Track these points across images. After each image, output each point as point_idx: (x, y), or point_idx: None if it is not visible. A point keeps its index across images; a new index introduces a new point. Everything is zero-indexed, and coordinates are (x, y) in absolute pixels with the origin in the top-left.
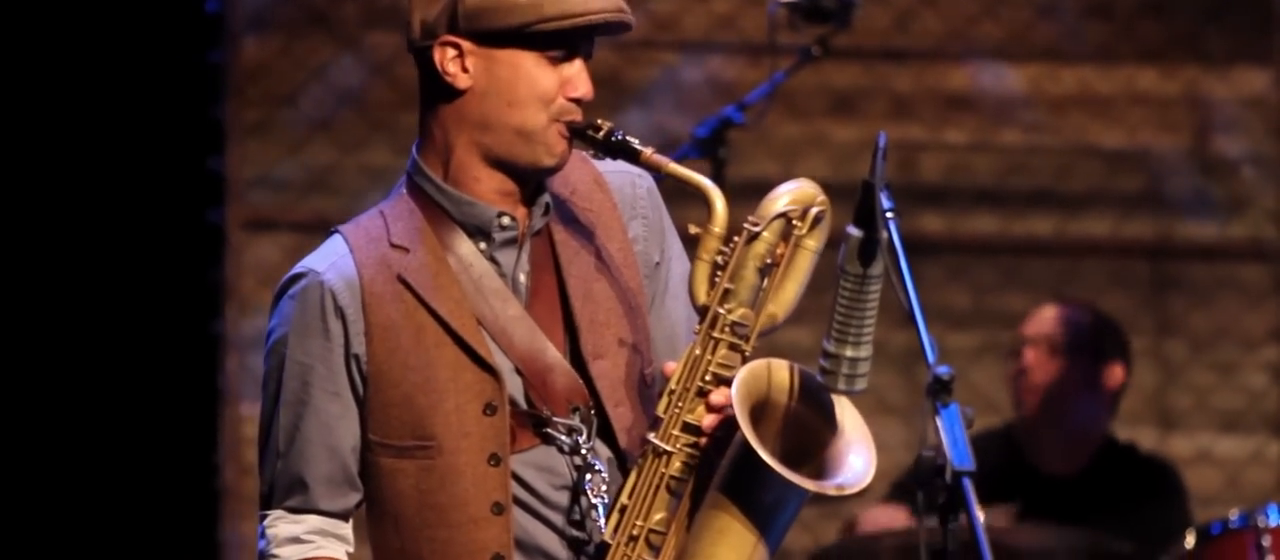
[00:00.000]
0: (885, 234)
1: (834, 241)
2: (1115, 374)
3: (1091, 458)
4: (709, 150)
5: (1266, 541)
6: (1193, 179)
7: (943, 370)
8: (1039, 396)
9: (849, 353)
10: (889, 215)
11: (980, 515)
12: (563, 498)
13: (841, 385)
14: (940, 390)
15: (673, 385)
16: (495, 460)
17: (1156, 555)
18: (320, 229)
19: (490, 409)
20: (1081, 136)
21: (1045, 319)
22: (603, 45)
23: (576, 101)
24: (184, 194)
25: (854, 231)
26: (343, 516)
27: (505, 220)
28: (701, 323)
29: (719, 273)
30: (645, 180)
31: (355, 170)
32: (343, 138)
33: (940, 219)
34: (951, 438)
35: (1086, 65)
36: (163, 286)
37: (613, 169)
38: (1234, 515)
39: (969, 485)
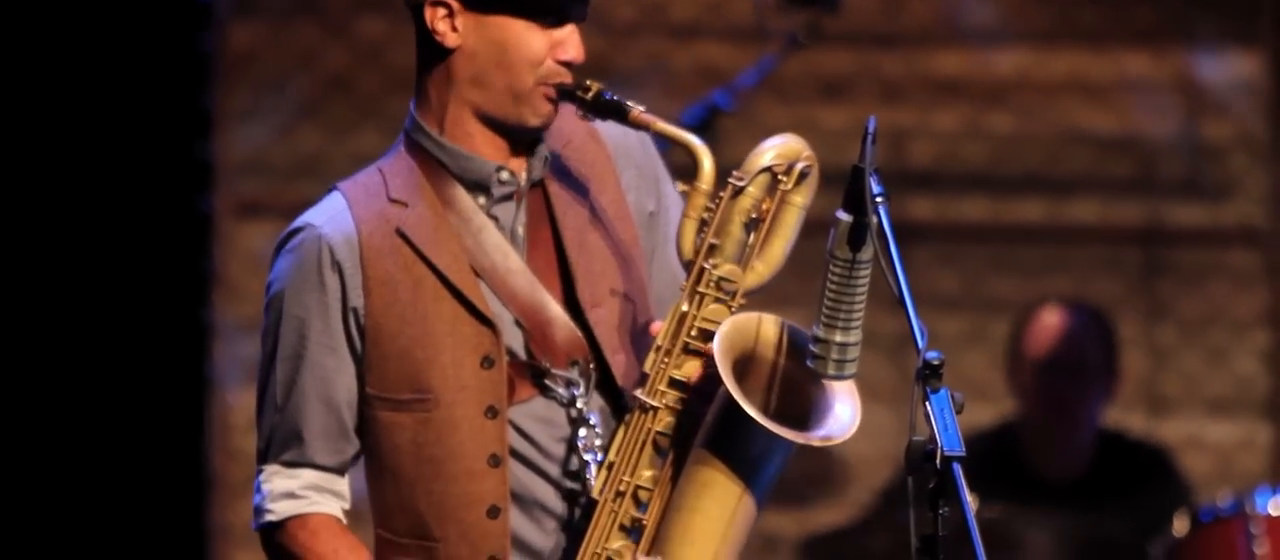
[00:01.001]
0: (875, 219)
1: (823, 226)
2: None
3: (1093, 455)
4: (698, 135)
5: (1257, 527)
6: (1183, 163)
7: (932, 355)
8: (1078, 417)
9: (838, 338)
10: (879, 200)
11: (971, 501)
12: (560, 450)
13: (831, 370)
14: (930, 375)
15: (660, 341)
16: (492, 413)
17: (1149, 541)
18: None
19: (488, 362)
20: (1071, 121)
21: (1074, 342)
22: (591, 31)
23: (567, 64)
24: (172, 180)
25: (843, 216)
26: (338, 471)
27: (504, 175)
28: (687, 279)
29: (705, 228)
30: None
31: (344, 156)
32: (331, 123)
33: (930, 204)
34: (942, 423)
35: (1076, 49)
36: (151, 273)
37: (608, 122)
38: (1225, 500)
39: (959, 470)
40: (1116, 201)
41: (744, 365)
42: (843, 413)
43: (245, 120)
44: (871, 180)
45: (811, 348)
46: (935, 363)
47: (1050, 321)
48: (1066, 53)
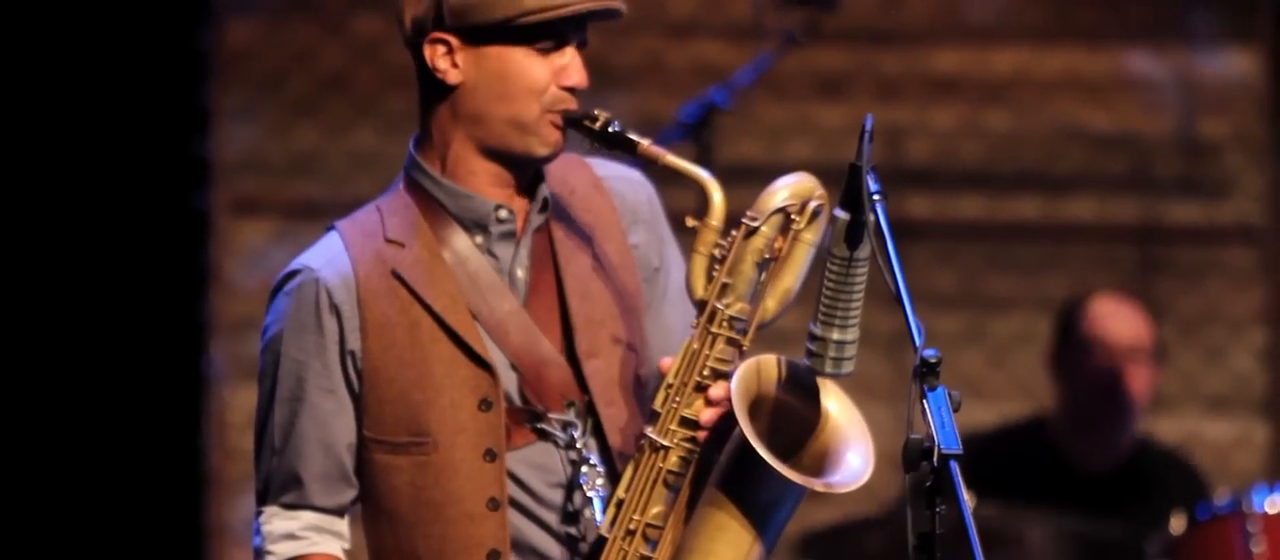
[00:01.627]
0: (872, 217)
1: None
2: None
3: (1129, 455)
4: (695, 134)
5: (1254, 525)
6: (1180, 162)
7: (930, 353)
8: (1135, 404)
9: (836, 335)
10: (876, 198)
11: (968, 499)
12: (558, 496)
13: (828, 368)
14: (927, 373)
15: (670, 379)
16: (491, 456)
17: (1145, 540)
18: (305, 212)
19: (486, 404)
20: (1069, 119)
21: (1140, 328)
22: (588, 29)
23: (570, 90)
24: (169, 177)
25: (841, 214)
26: (338, 513)
27: (503, 214)
28: (699, 317)
29: (717, 267)
30: (646, 188)
31: (340, 154)
32: (328, 121)
33: (927, 202)
34: (939, 421)
35: (1074, 47)
36: (147, 270)
37: (613, 174)
38: (1222, 499)
39: (956, 468)
40: (1114, 199)
41: (757, 408)
42: (854, 459)
43: (242, 117)
44: (869, 178)
45: (809, 345)
46: (933, 361)
47: (1117, 307)
48: (1064, 50)
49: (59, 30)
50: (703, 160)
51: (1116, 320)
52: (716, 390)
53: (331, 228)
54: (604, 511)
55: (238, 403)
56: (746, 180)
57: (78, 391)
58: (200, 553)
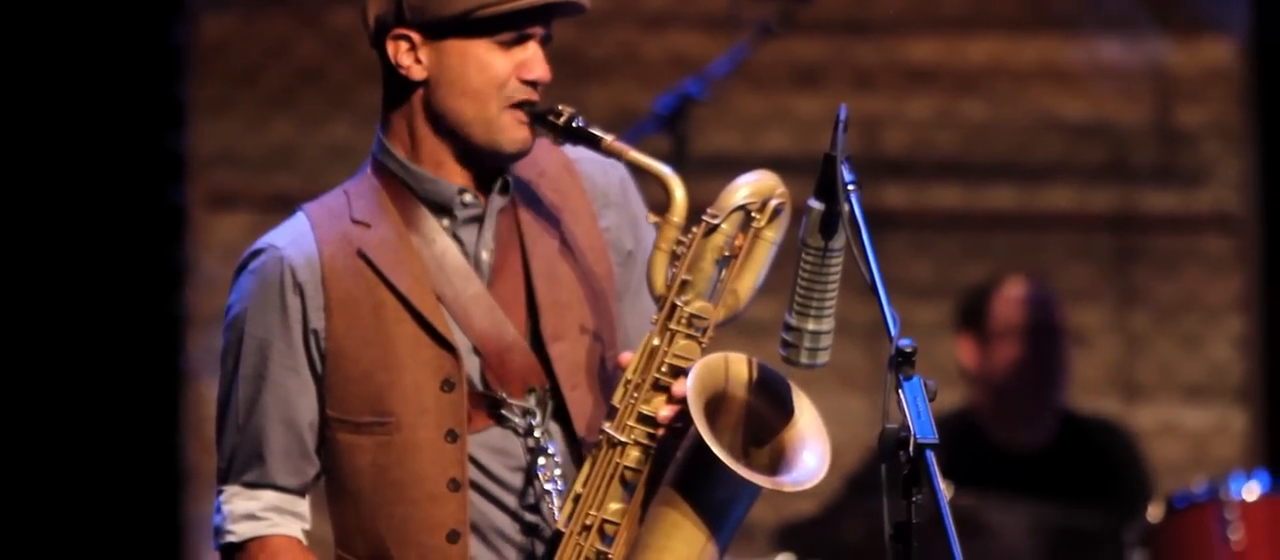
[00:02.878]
0: (847, 207)
1: (795, 215)
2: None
3: (1057, 430)
4: (670, 125)
5: (1231, 512)
6: (1156, 150)
7: (905, 343)
8: (1054, 381)
9: (811, 326)
10: (851, 188)
11: (944, 488)
12: (517, 480)
13: (804, 359)
14: (903, 363)
15: (629, 375)
16: (452, 436)
17: (1123, 528)
18: (281, 206)
19: (448, 385)
20: (1044, 108)
21: (1047, 306)
22: (562, 21)
23: (532, 84)
24: (144, 172)
25: (815, 204)
26: (299, 492)
27: (467, 197)
28: (659, 314)
29: (677, 263)
30: (618, 170)
31: (316, 147)
32: (303, 114)
33: (903, 191)
34: (914, 410)
35: (1048, 36)
36: (123, 265)
37: (585, 157)
38: (1199, 487)
39: (932, 458)
40: (1089, 188)
41: (715, 405)
42: (810, 459)
43: (217, 111)
44: (843, 168)
45: (784, 336)
46: (908, 350)
47: (1017, 291)
48: (1039, 39)
49: (34, 26)
50: (678, 152)
51: (1019, 303)
52: (676, 387)
53: (299, 209)
54: (560, 504)
55: (214, 397)
56: (722, 171)
57: (54, 387)
58: (177, 546)
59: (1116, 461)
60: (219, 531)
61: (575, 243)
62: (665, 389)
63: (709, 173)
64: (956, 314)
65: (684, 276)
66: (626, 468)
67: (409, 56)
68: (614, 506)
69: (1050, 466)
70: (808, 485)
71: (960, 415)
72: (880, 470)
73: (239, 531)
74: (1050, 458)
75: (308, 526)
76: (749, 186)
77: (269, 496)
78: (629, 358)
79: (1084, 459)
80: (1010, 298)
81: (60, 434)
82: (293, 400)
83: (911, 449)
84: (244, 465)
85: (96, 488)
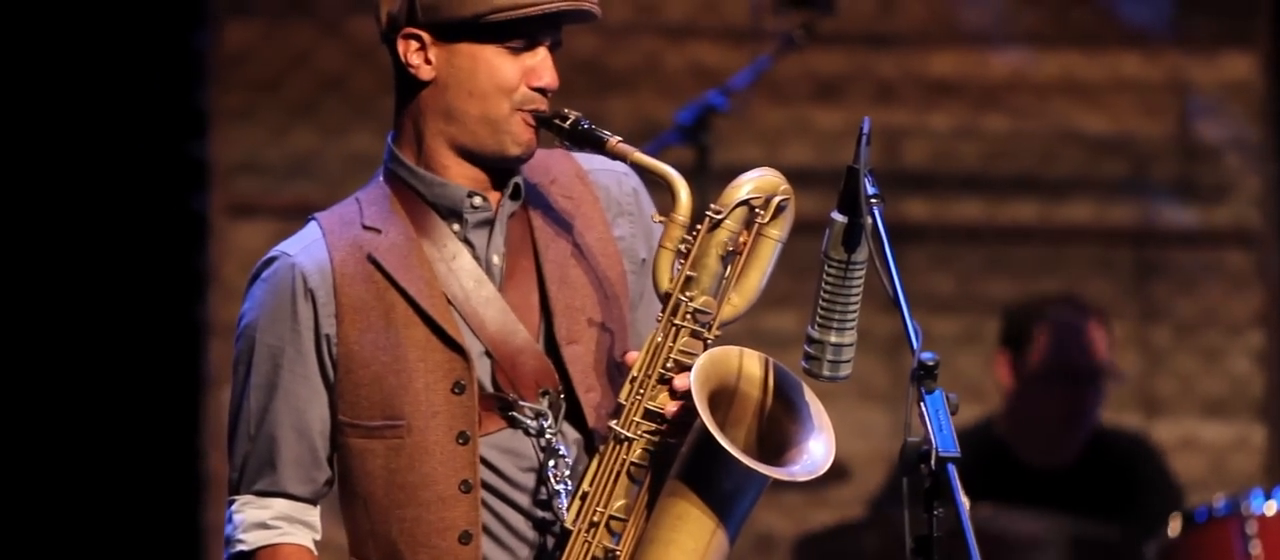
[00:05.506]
0: (869, 220)
1: (817, 227)
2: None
3: (1082, 448)
4: (692, 136)
5: (1251, 528)
6: (1177, 165)
7: (927, 356)
8: (1088, 417)
9: (833, 339)
10: (873, 201)
11: (965, 502)
12: (529, 480)
13: (826, 371)
14: (925, 376)
15: (635, 372)
16: (464, 438)
17: (1142, 542)
18: (303, 214)
19: (459, 388)
20: (1066, 122)
21: (1100, 345)
22: (585, 31)
23: (541, 91)
24: (167, 180)
25: (838, 217)
26: (311, 501)
27: (477, 200)
28: (663, 310)
29: (681, 260)
30: (631, 179)
31: (338, 156)
32: (325, 123)
33: (925, 205)
34: (936, 424)
35: (1070, 51)
36: (146, 272)
37: (598, 167)
38: (1219, 501)
39: (954, 471)
40: (1110, 202)
41: (721, 399)
42: (817, 449)
43: (239, 120)
44: (866, 181)
45: (806, 348)
46: (930, 364)
47: (1064, 326)
48: (1061, 54)
49: (57, 32)
50: (700, 163)
51: (1074, 347)
52: (679, 381)
53: (311, 218)
54: (568, 504)
55: None
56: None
57: (76, 392)
58: (197, 553)
59: (1142, 476)
60: (230, 541)
61: (587, 248)
62: (671, 385)
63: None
64: (1001, 328)
65: (688, 272)
66: (633, 464)
67: (418, 56)
68: (621, 503)
69: (1075, 483)
70: (813, 475)
71: (984, 427)
72: (901, 483)
73: (250, 540)
74: (1075, 475)
75: (318, 536)
76: (753, 182)
77: (280, 505)
78: (635, 355)
79: (1110, 474)
80: (1057, 333)
81: (82, 439)
82: (304, 408)
83: (933, 462)
84: (255, 474)
85: (117, 493)
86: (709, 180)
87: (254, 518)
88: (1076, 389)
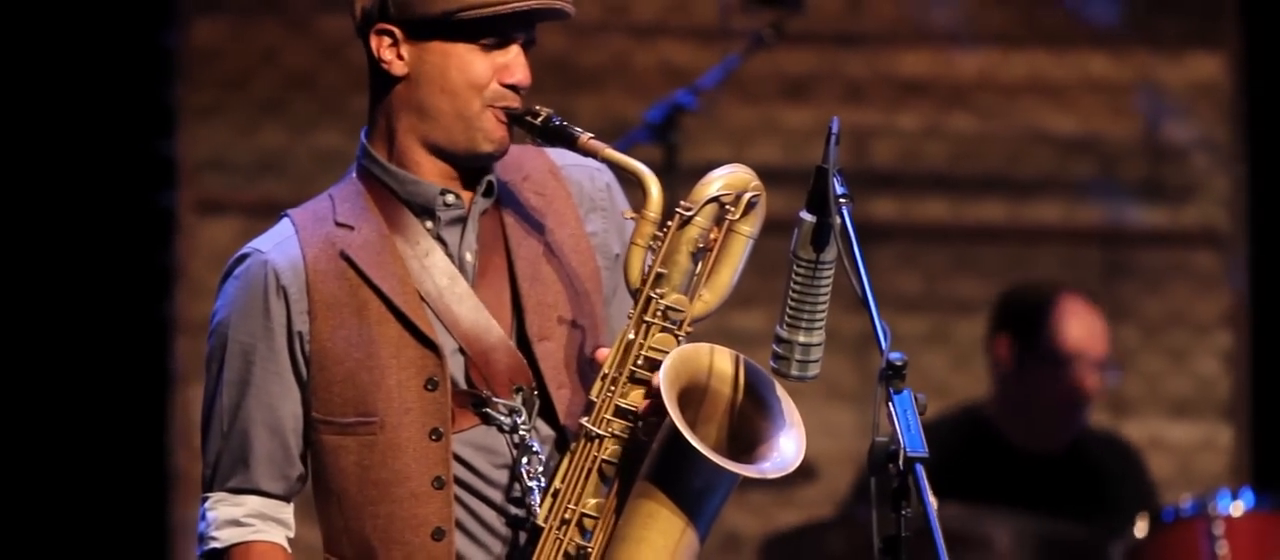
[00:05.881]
0: (838, 219)
1: (786, 226)
2: None
3: (1070, 441)
4: (661, 135)
5: (1218, 528)
6: (1144, 165)
7: (895, 356)
8: (1088, 404)
9: (801, 338)
10: (842, 200)
11: (933, 501)
12: (502, 476)
13: (794, 371)
14: (893, 376)
15: (606, 369)
16: (436, 435)
17: (1109, 542)
18: (271, 212)
19: (431, 384)
20: (1033, 122)
21: (1103, 335)
22: (554, 29)
23: (514, 88)
24: (134, 177)
25: (807, 217)
26: (284, 498)
27: (449, 198)
28: (634, 307)
29: (652, 257)
30: (604, 175)
31: (306, 153)
32: (293, 121)
33: (893, 204)
34: (904, 423)
35: (1038, 51)
36: (113, 269)
37: (571, 162)
38: (1186, 502)
39: (922, 471)
40: (1078, 203)
41: (692, 396)
42: (787, 447)
43: (207, 117)
44: (835, 181)
45: (775, 348)
46: (898, 363)
47: (1083, 315)
48: (1028, 54)
49: (25, 30)
50: (669, 162)
51: (1084, 332)
52: (654, 378)
53: (284, 215)
54: (540, 501)
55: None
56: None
57: (42, 390)
58: (164, 551)
59: (1121, 476)
60: (203, 538)
61: (560, 244)
62: (642, 382)
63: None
64: (998, 310)
65: (659, 269)
66: (604, 461)
67: (391, 52)
68: (592, 501)
69: (1057, 475)
70: (783, 472)
71: (972, 411)
72: (869, 483)
73: (223, 538)
74: (1058, 466)
75: (292, 533)
76: (723, 179)
77: (253, 502)
78: (606, 353)
79: (1090, 472)
80: (1068, 325)
81: (48, 437)
82: (277, 405)
83: (901, 462)
84: (228, 471)
85: (84, 491)
86: (678, 179)
87: (227, 515)
88: (1084, 375)
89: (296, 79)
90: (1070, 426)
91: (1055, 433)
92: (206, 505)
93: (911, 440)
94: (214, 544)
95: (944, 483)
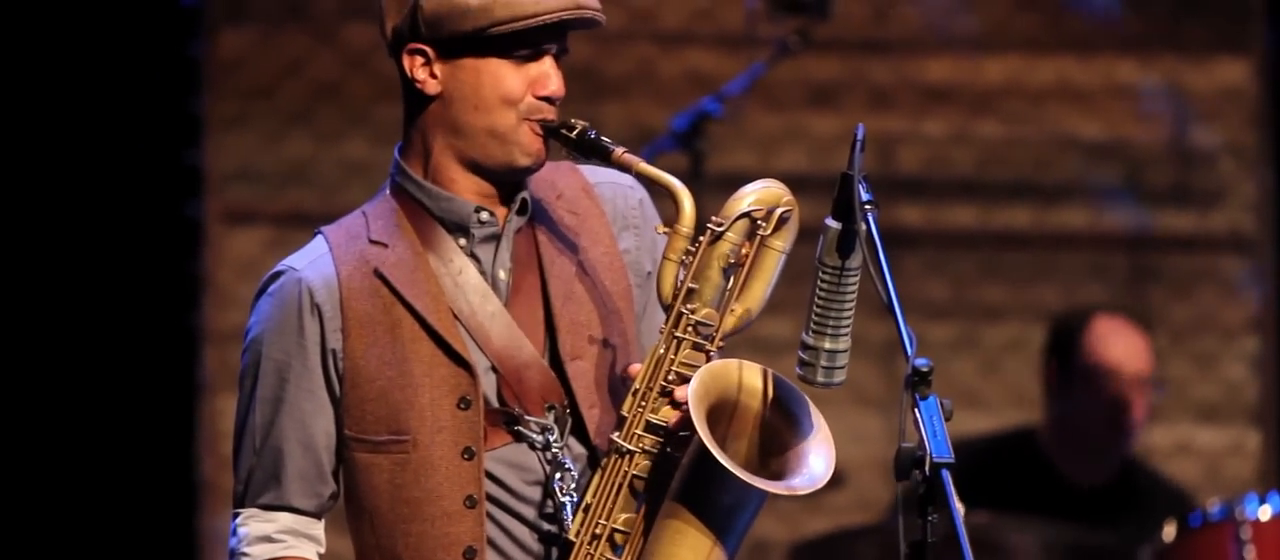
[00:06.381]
0: (864, 226)
1: (812, 233)
2: None
3: (1118, 472)
4: (687, 143)
5: (1246, 533)
6: (1172, 171)
7: (921, 362)
8: (1136, 426)
9: (827, 345)
10: (867, 207)
11: (959, 508)
12: (535, 494)
13: (820, 378)
14: (919, 382)
15: (637, 385)
16: (469, 454)
17: (1137, 546)
18: (298, 221)
19: (464, 403)
20: (1060, 127)
21: (1144, 354)
22: (579, 38)
23: (547, 99)
24: (161, 187)
25: (832, 223)
26: (315, 515)
27: (484, 215)
28: (665, 322)
29: (684, 272)
30: (637, 191)
31: (332, 163)
32: (320, 130)
33: (919, 210)
34: (931, 430)
35: (1065, 56)
36: (141, 279)
37: (604, 180)
38: (1214, 507)
39: (948, 477)
40: (1105, 208)
41: (722, 412)
42: (816, 462)
43: (234, 127)
44: (860, 187)
45: (801, 355)
46: (924, 370)
47: (1120, 333)
48: (1055, 60)
49: (53, 40)
50: (695, 169)
51: (1121, 348)
52: (679, 393)
53: (318, 232)
54: (572, 517)
55: (230, 412)
56: (738, 190)
57: (71, 400)
58: None
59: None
60: (234, 554)
61: (593, 263)
62: (673, 397)
63: (725, 191)
64: (1048, 336)
65: (690, 284)
66: (635, 477)
67: (424, 71)
68: (623, 517)
69: (1105, 505)
70: (812, 489)
71: (1024, 436)
72: (896, 489)
73: (254, 554)
74: (1107, 497)
75: (322, 549)
76: (755, 194)
77: (285, 519)
78: (637, 368)
79: (1136, 505)
80: (1103, 343)
81: (76, 446)
82: (310, 422)
83: (927, 469)
84: (261, 488)
85: (112, 501)
86: (704, 187)
87: (259, 531)
88: (1123, 392)
89: (323, 89)
90: (1115, 449)
91: (1101, 455)
92: (238, 521)
93: (937, 446)
94: (246, 559)
95: (984, 501)
